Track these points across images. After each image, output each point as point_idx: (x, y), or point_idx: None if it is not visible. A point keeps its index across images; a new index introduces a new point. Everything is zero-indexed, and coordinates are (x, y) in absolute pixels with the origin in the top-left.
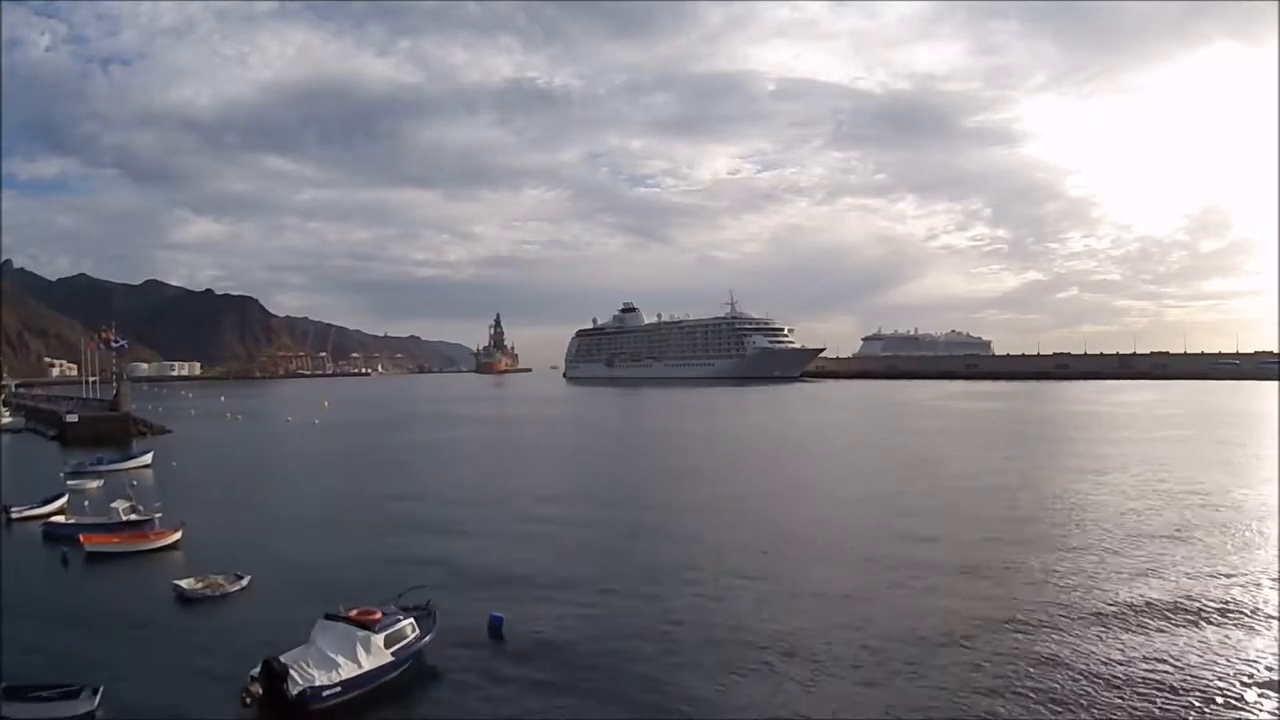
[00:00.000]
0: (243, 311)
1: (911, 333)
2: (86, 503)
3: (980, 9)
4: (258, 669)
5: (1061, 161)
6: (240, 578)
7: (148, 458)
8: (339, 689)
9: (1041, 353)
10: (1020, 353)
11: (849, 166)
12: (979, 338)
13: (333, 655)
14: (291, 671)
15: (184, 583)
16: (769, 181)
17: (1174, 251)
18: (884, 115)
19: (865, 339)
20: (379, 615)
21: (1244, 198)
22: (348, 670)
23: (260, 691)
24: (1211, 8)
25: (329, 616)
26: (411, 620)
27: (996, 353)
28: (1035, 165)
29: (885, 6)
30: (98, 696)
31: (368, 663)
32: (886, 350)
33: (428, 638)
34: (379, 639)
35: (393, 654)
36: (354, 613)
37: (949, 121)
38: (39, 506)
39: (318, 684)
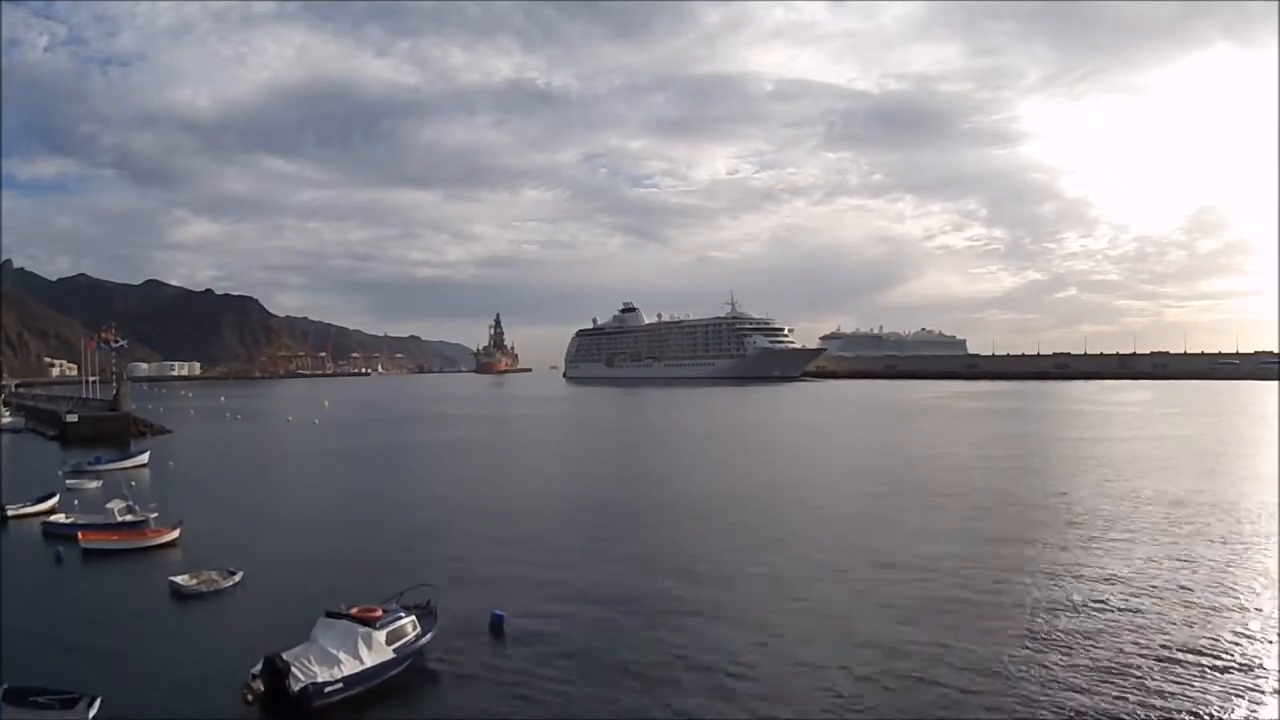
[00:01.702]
0: (243, 311)
1: (874, 331)
2: (76, 501)
3: (975, 10)
4: (259, 666)
5: (1058, 162)
6: (234, 573)
7: (144, 457)
8: (340, 685)
9: (1041, 353)
10: (1020, 352)
11: (846, 167)
12: (952, 336)
13: (334, 652)
14: (293, 668)
15: (179, 579)
16: (767, 182)
17: (1171, 251)
18: (880, 116)
19: (823, 338)
20: (380, 613)
21: (1240, 198)
22: (349, 667)
23: (262, 688)
24: (1206, 8)
25: (330, 614)
26: (413, 618)
27: (973, 350)
28: (1032, 166)
29: (881, 7)
30: (95, 706)
31: (369, 659)
32: (845, 350)
33: (429, 635)
34: (380, 636)
35: (394, 651)
36: (355, 610)
37: (945, 122)
38: (33, 505)
39: (319, 680)
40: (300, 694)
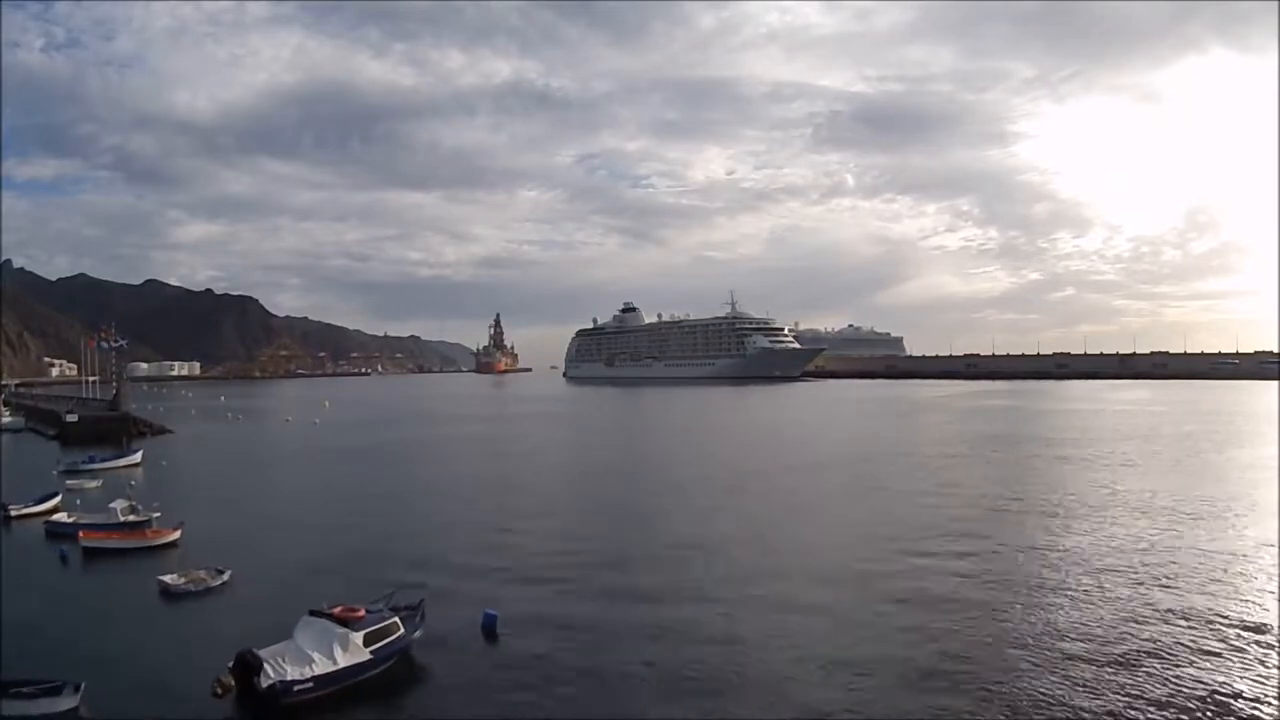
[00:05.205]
0: (242, 311)
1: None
2: (78, 501)
3: (968, 12)
4: (233, 661)
5: (1051, 163)
6: (221, 573)
7: (137, 456)
8: (311, 684)
9: (1041, 352)
10: (1020, 352)
11: (842, 167)
12: (886, 333)
13: (309, 651)
14: (265, 665)
15: (167, 578)
16: (763, 182)
17: (1166, 251)
18: (876, 117)
19: None
20: (362, 613)
21: (1234, 199)
22: (321, 666)
23: (232, 683)
24: (1198, 10)
25: (313, 612)
26: (396, 619)
27: (912, 352)
28: (1025, 167)
29: (874, 9)
30: (79, 694)
31: (343, 660)
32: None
33: (414, 636)
34: (357, 637)
35: (371, 652)
36: (337, 610)
37: (940, 123)
38: (35, 505)
39: (289, 678)
40: (269, 690)
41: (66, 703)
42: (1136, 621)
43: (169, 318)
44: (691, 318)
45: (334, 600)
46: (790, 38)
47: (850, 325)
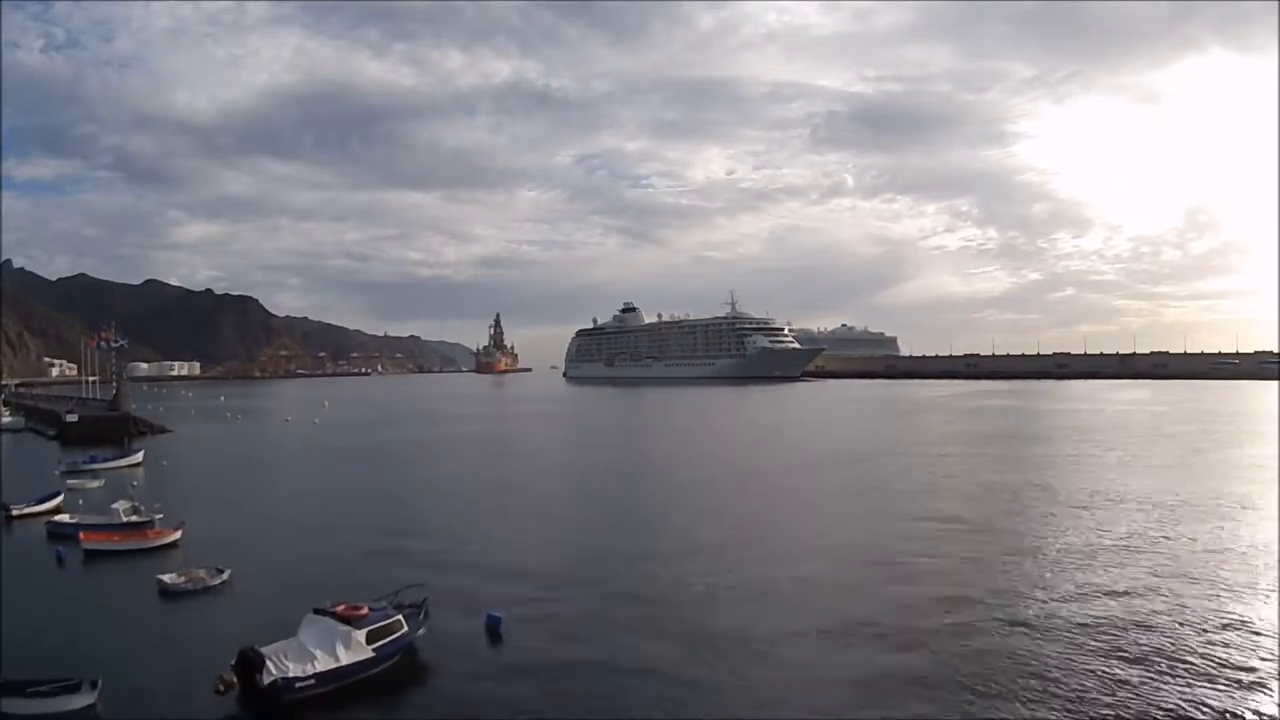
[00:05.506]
0: (243, 311)
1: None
2: (81, 501)
3: (967, 12)
4: (235, 659)
5: (1050, 163)
6: (220, 572)
7: (139, 456)
8: (313, 681)
9: (1041, 352)
10: (1020, 352)
11: (842, 168)
12: (880, 333)
13: (312, 648)
14: (268, 662)
15: (166, 577)
16: (763, 183)
17: (1166, 251)
18: (874, 117)
19: None
20: (365, 611)
21: (1232, 199)
22: (324, 663)
23: (234, 680)
24: (1200, 9)
25: (317, 610)
26: (399, 617)
27: (911, 352)
28: (1024, 167)
29: (872, 9)
30: (96, 690)
31: (346, 657)
32: None
33: (417, 634)
34: (360, 634)
35: (374, 650)
36: (341, 608)
37: (939, 123)
38: (36, 505)
39: (291, 675)
40: (270, 687)
41: (84, 700)
42: (1135, 620)
43: (169, 318)
44: (691, 318)
45: (339, 599)
46: (789, 38)
47: (844, 325)
